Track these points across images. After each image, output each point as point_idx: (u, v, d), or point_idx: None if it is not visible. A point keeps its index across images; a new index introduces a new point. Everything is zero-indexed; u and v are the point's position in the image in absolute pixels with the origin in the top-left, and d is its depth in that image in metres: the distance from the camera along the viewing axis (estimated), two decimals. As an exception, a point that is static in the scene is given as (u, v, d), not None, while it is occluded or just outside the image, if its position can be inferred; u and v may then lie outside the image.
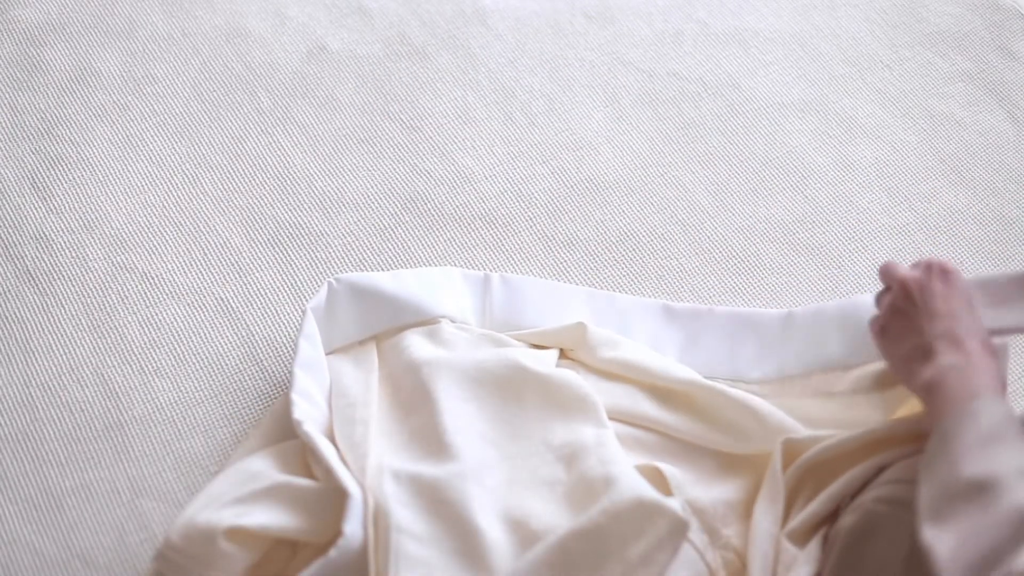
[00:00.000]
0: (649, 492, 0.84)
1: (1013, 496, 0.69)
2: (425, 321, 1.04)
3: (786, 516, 0.91)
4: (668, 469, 0.94)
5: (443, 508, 0.87)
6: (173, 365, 1.06)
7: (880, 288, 0.95)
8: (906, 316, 0.88)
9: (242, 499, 0.89)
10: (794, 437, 0.94)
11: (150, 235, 1.15)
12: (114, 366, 1.06)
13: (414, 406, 0.97)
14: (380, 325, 1.04)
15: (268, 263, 1.14)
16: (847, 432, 0.92)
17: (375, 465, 0.90)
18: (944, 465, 0.75)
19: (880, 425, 0.91)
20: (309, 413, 0.95)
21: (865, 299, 1.03)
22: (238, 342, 1.08)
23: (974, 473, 0.72)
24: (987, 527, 0.69)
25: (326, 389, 0.99)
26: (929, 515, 0.72)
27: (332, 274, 1.13)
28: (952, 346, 0.83)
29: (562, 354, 1.06)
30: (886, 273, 0.92)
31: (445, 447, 0.92)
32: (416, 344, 1.01)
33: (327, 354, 1.02)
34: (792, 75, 1.38)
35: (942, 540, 0.69)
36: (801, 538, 0.89)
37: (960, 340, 0.83)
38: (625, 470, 0.88)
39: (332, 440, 0.94)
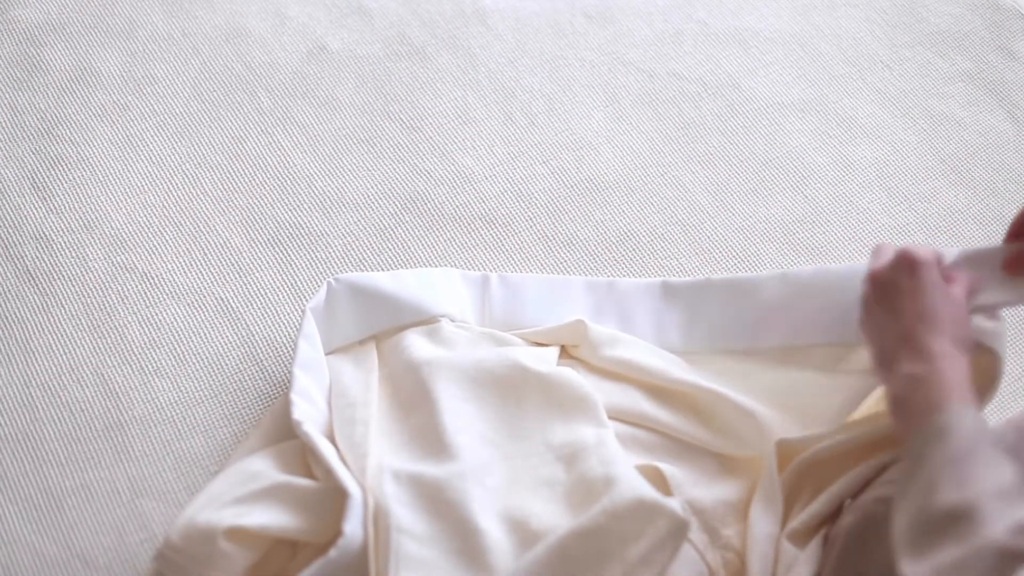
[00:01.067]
0: (649, 492, 0.84)
1: (991, 527, 0.65)
2: (425, 321, 1.04)
3: (787, 517, 0.91)
4: (668, 469, 0.94)
5: (443, 508, 0.87)
6: (173, 365, 1.06)
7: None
8: (874, 314, 0.83)
9: (242, 499, 0.89)
10: (788, 438, 0.94)
11: (150, 235, 1.15)
12: (114, 366, 1.05)
13: (414, 406, 0.97)
14: (380, 325, 1.04)
15: (268, 263, 1.14)
16: (844, 432, 0.92)
17: (375, 465, 0.90)
18: (917, 492, 0.70)
19: (880, 425, 0.91)
20: (309, 413, 0.95)
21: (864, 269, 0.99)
22: (238, 342, 1.08)
23: (949, 501, 0.67)
24: (968, 562, 0.64)
25: (326, 389, 0.99)
26: (907, 548, 0.68)
27: (332, 274, 1.13)
28: (913, 352, 0.77)
29: (563, 353, 1.06)
30: (874, 257, 0.86)
31: (445, 447, 0.92)
32: (416, 344, 1.01)
33: (327, 354, 1.02)
34: (792, 75, 1.38)
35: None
36: (802, 538, 0.88)
37: (921, 343, 0.77)
38: (625, 470, 0.88)
39: (332, 440, 0.94)
